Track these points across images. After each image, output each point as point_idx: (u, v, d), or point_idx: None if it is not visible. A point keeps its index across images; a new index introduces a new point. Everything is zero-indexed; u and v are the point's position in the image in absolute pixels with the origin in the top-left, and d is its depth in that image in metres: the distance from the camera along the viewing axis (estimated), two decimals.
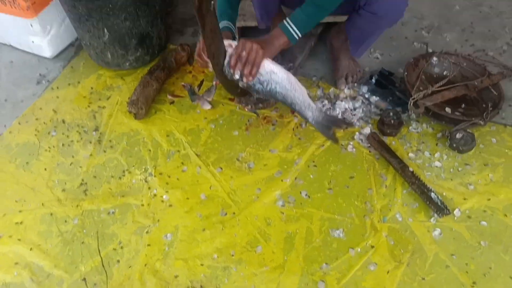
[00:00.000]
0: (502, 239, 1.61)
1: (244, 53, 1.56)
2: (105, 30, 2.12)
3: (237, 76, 1.59)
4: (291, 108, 1.73)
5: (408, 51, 2.37)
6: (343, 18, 2.19)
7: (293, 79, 1.68)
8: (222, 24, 1.78)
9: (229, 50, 1.59)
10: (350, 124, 1.84)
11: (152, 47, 2.31)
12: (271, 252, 1.60)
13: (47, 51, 2.39)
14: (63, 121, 2.08)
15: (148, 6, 2.15)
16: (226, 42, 1.59)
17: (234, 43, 1.61)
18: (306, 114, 1.71)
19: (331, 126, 1.71)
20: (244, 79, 1.59)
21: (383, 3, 1.78)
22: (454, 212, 1.68)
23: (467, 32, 2.48)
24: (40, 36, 2.34)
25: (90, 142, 1.98)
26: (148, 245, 1.63)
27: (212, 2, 1.46)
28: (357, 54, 2.16)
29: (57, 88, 2.25)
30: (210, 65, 1.62)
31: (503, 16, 2.57)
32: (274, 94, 1.67)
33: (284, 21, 1.66)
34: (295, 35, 1.66)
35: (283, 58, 2.23)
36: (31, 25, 2.28)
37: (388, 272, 1.54)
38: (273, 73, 1.63)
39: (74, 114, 2.11)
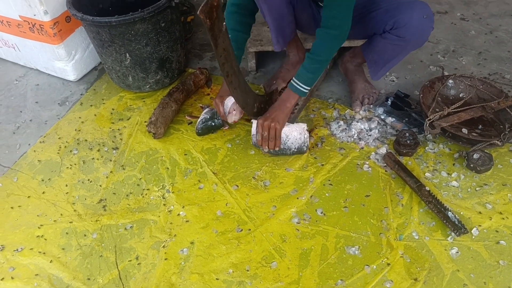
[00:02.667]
0: None
1: (265, 134, 1.90)
2: (127, 55, 2.19)
3: (265, 151, 1.98)
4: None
5: (423, 74, 2.39)
6: (358, 43, 2.23)
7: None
8: None
9: (253, 128, 1.95)
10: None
11: (171, 71, 2.38)
12: (286, 268, 1.60)
13: (71, 75, 2.48)
14: (85, 140, 2.14)
15: (168, 32, 2.23)
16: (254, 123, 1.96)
17: (254, 122, 1.96)
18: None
19: None
20: (271, 150, 1.95)
21: (411, 27, 1.81)
22: (472, 231, 1.67)
23: (483, 56, 2.49)
24: (65, 61, 2.43)
25: (110, 160, 2.03)
26: (165, 259, 1.65)
27: (224, 23, 1.52)
28: (376, 77, 2.13)
29: (80, 109, 2.33)
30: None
31: None
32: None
33: (293, 82, 1.91)
34: (305, 90, 1.92)
35: None
36: (57, 51, 2.37)
37: None
38: (286, 138, 1.95)
39: (96, 134, 2.17)
